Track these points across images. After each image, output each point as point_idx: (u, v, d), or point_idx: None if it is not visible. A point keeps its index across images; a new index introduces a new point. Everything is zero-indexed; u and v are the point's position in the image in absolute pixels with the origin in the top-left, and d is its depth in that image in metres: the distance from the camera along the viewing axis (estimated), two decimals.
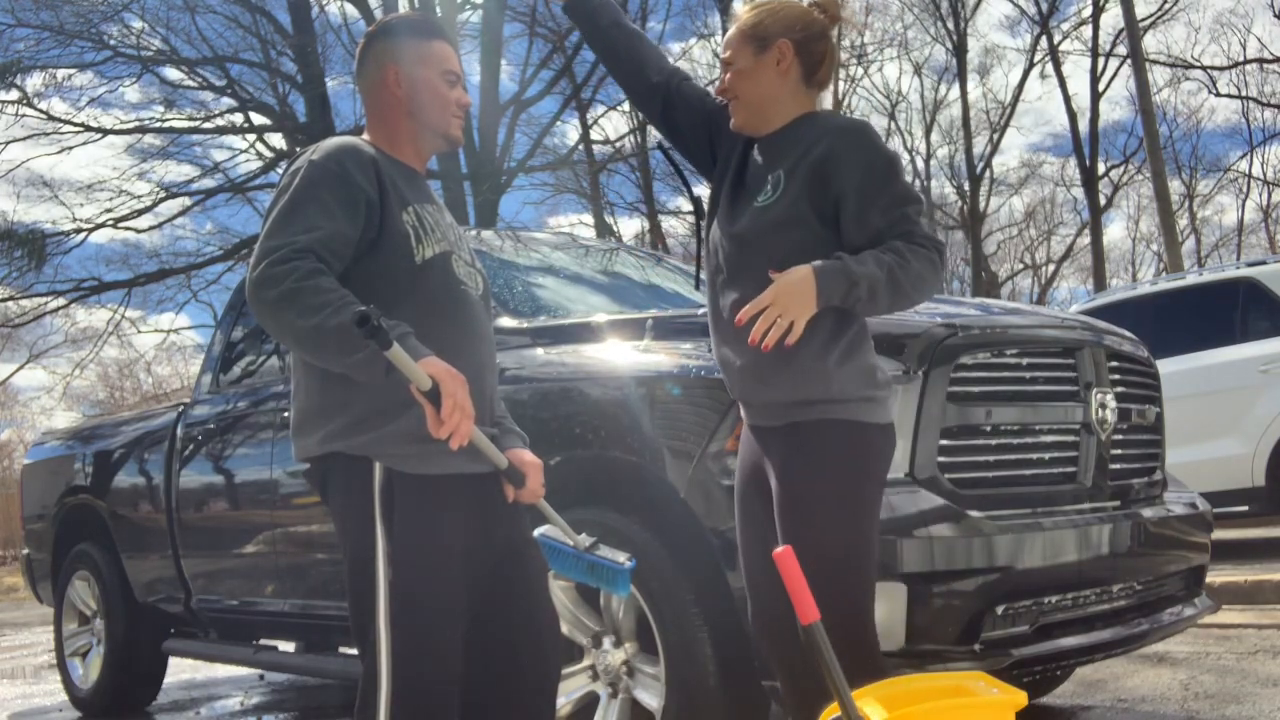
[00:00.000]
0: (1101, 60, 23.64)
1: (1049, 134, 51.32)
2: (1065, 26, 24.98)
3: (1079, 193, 26.51)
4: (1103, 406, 2.84)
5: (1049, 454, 2.76)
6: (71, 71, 15.09)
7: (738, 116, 2.10)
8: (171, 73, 15.84)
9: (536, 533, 2.18)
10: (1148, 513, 2.94)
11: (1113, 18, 22.45)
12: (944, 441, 2.56)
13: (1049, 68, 24.41)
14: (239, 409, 4.33)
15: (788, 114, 2.07)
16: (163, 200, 16.10)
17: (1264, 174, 27.77)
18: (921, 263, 1.92)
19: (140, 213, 15.94)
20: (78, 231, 15.54)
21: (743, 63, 2.05)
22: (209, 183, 16.32)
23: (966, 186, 26.45)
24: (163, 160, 16.04)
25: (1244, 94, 25.29)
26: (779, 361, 1.95)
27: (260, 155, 16.09)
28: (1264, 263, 7.07)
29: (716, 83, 2.14)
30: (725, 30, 2.18)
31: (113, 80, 15.33)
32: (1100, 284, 23.17)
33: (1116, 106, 32.33)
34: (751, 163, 2.11)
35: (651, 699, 2.71)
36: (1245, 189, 28.31)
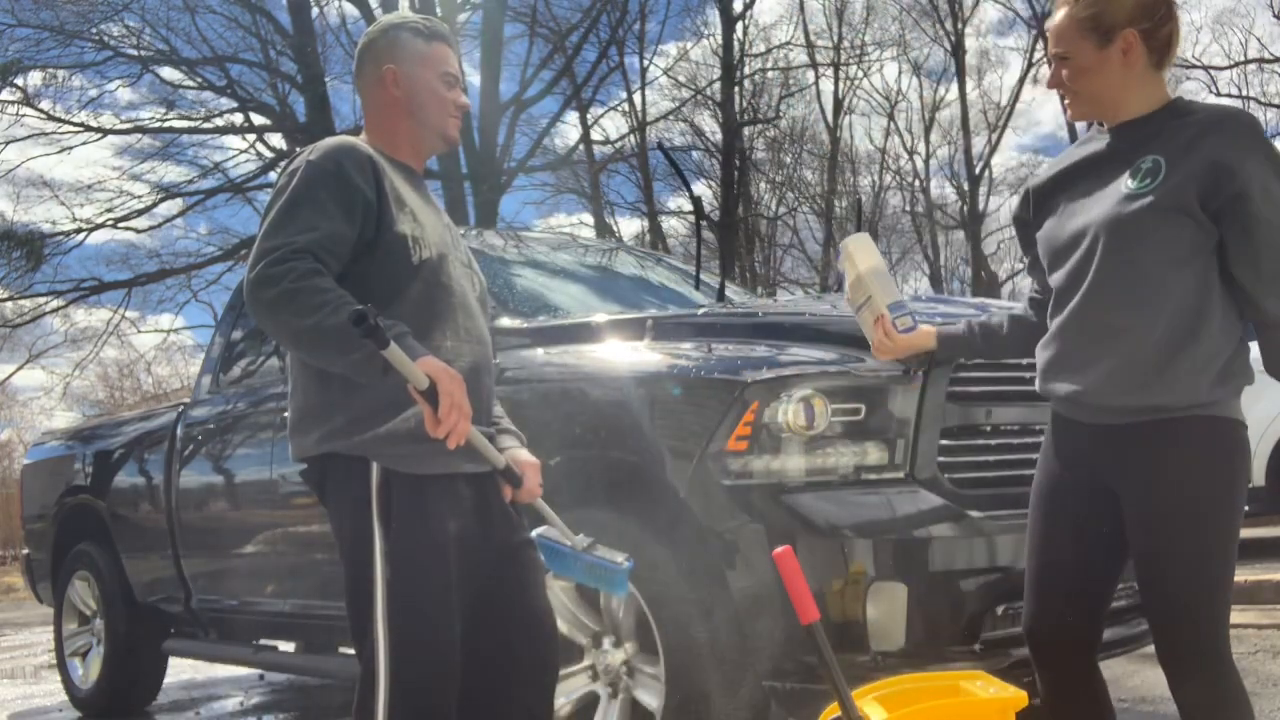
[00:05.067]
0: None
1: (1039, 135, 51.42)
2: None
3: None
4: None
5: None
6: (72, 71, 15.10)
7: (1077, 109, 1.95)
8: (171, 73, 15.84)
9: (534, 533, 2.18)
10: None
11: None
12: (944, 441, 2.56)
13: (1046, 69, 24.39)
14: (239, 409, 4.33)
15: (1141, 103, 1.91)
16: (162, 200, 16.13)
17: None
18: None
19: (140, 213, 15.98)
20: (77, 232, 15.57)
21: (1084, 59, 1.89)
22: (209, 183, 16.34)
23: (966, 186, 26.45)
24: (162, 160, 16.08)
25: (1244, 94, 25.31)
26: (1161, 364, 1.84)
27: (260, 155, 16.11)
28: None
29: (1048, 76, 1.98)
30: (1049, 18, 1.98)
31: (113, 80, 15.33)
32: None
33: None
34: (1096, 153, 1.96)
35: (651, 699, 2.71)
36: None
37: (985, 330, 2.24)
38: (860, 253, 2.34)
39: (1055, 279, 1.96)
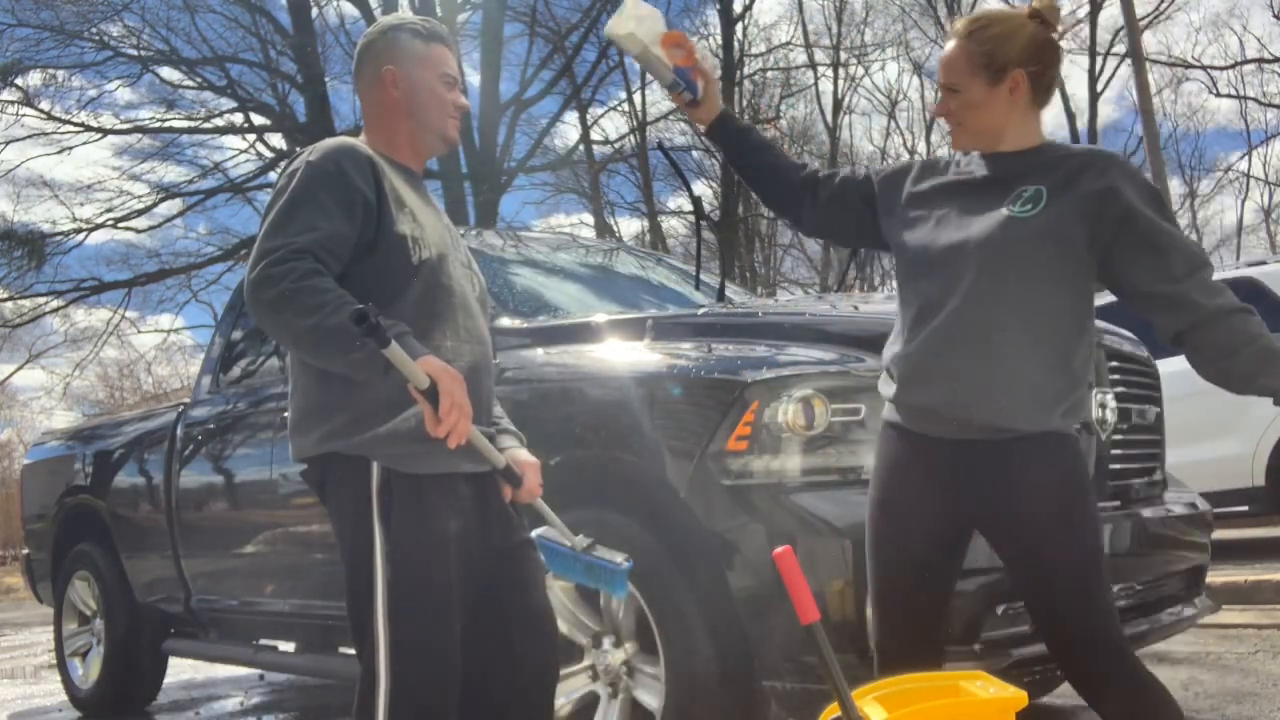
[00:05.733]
0: (1100, 59, 23.65)
1: None
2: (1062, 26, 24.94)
3: None
4: (1103, 406, 2.84)
5: None
6: (71, 71, 15.10)
7: (960, 140, 2.02)
8: (171, 73, 15.85)
9: (534, 533, 2.18)
10: (1148, 513, 2.93)
11: (1110, 17, 22.47)
12: None
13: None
14: (239, 409, 4.33)
15: (1019, 139, 1.99)
16: (162, 200, 16.13)
17: (1264, 174, 27.80)
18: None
19: (140, 213, 15.99)
20: (77, 231, 15.57)
21: (973, 94, 1.95)
22: (209, 183, 16.35)
23: None
24: (162, 160, 16.08)
25: (1243, 94, 25.31)
26: (1012, 380, 1.90)
27: (260, 155, 16.11)
28: (1264, 263, 7.08)
29: (936, 105, 2.05)
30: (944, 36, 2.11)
31: (112, 80, 15.34)
32: None
33: (1115, 106, 32.34)
34: (973, 179, 2.02)
35: (651, 699, 2.71)
36: (1245, 189, 28.34)
37: (761, 143, 2.23)
38: (622, 31, 2.17)
39: (921, 288, 1.98)
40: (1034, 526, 1.92)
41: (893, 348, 2.04)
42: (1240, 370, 1.88)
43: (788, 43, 24.01)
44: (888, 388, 2.04)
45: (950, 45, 1.98)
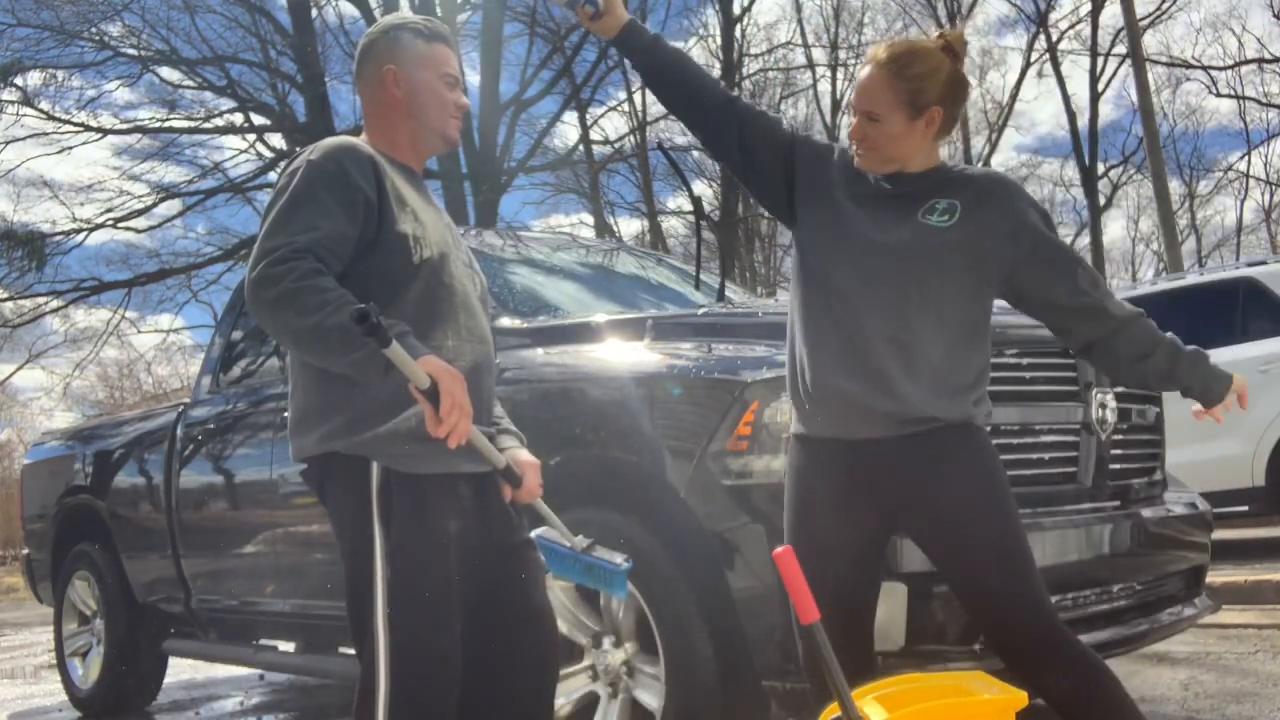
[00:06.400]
0: (1100, 59, 23.64)
1: (1037, 136, 51.54)
2: (1062, 25, 24.96)
3: (1078, 193, 26.52)
4: (1103, 406, 2.84)
5: (1049, 454, 2.76)
6: (71, 71, 15.10)
7: (868, 162, 2.07)
8: (171, 73, 15.84)
9: (534, 533, 2.18)
10: (1148, 513, 2.93)
11: (1110, 17, 22.46)
12: None
13: (1047, 67, 24.40)
14: (239, 409, 4.33)
15: (922, 163, 2.08)
16: (162, 200, 16.13)
17: (1265, 174, 27.79)
18: None
19: (140, 213, 15.98)
20: (77, 231, 15.57)
21: (893, 126, 2.01)
22: (208, 183, 16.35)
23: None
24: (162, 161, 16.08)
25: (1242, 94, 25.29)
26: (929, 373, 1.99)
27: (260, 155, 16.11)
28: (1264, 263, 7.08)
29: (849, 128, 2.09)
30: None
31: (112, 80, 15.34)
32: None
33: (1115, 106, 32.35)
34: (881, 191, 2.08)
35: (651, 699, 2.71)
36: (1245, 189, 28.34)
37: (675, 56, 2.23)
38: None
39: (837, 278, 2.03)
40: (956, 511, 1.98)
41: (801, 348, 2.07)
42: (1156, 368, 2.05)
43: (787, 43, 24.02)
44: (797, 395, 2.09)
45: (872, 73, 2.02)
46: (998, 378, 2.66)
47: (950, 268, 2.00)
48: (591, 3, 2.16)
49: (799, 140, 2.19)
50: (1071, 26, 24.69)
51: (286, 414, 2.10)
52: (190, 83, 15.90)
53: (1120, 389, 2.96)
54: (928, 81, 2.00)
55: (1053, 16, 24.28)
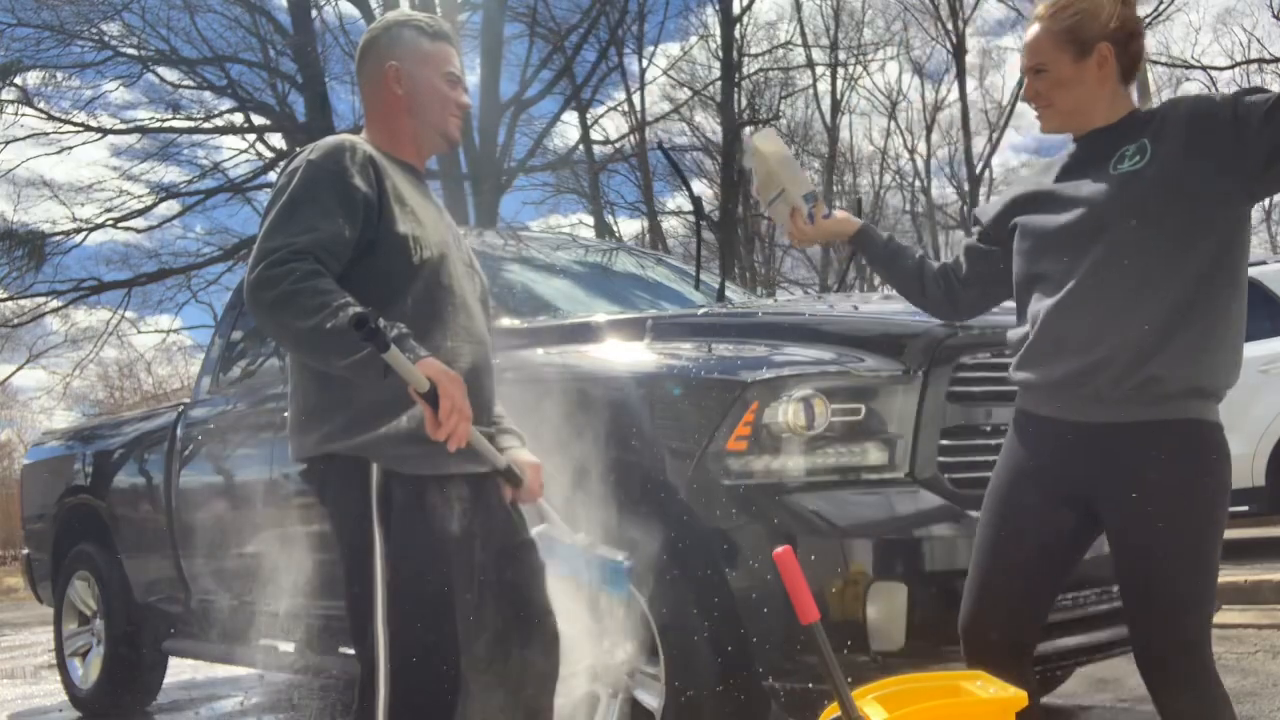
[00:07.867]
0: None
1: (1036, 137, 51.46)
2: None
3: None
4: None
5: None
6: (71, 71, 15.10)
7: (1050, 123, 2.00)
8: (171, 73, 15.84)
9: (534, 532, 2.18)
10: None
11: None
12: (944, 441, 2.56)
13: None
14: (239, 410, 4.33)
15: (1109, 114, 1.96)
16: (161, 200, 16.12)
17: None
18: None
19: (139, 213, 15.98)
20: (77, 231, 15.56)
21: (1061, 71, 1.93)
22: (208, 183, 16.34)
23: (966, 187, 26.44)
24: (161, 161, 16.07)
25: None
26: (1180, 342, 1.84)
27: (259, 155, 16.11)
28: (1264, 263, 7.07)
29: (1022, 90, 2.03)
30: (1029, 31, 2.00)
31: (112, 80, 15.33)
32: None
33: None
34: (1069, 161, 2.00)
35: (651, 699, 2.71)
36: None
37: (896, 250, 2.29)
38: (769, 146, 2.31)
39: (1043, 267, 1.95)
40: (1156, 519, 1.85)
41: (1018, 331, 2.01)
42: None
43: (787, 43, 24.00)
44: (1020, 373, 2.00)
45: (1033, 29, 1.97)
46: (999, 378, 2.66)
47: (1158, 216, 1.84)
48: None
49: (979, 217, 2.16)
50: None
51: (286, 414, 2.10)
52: (190, 82, 15.90)
53: None
54: (1087, 18, 1.91)
55: None
